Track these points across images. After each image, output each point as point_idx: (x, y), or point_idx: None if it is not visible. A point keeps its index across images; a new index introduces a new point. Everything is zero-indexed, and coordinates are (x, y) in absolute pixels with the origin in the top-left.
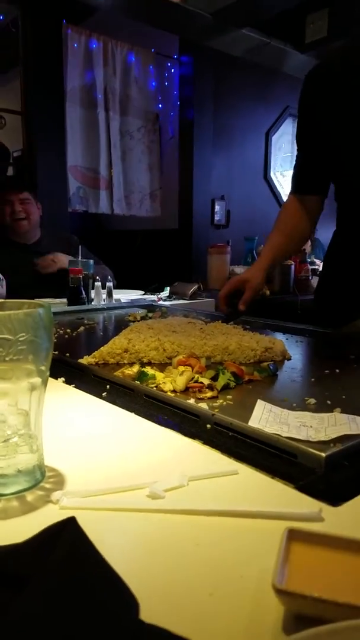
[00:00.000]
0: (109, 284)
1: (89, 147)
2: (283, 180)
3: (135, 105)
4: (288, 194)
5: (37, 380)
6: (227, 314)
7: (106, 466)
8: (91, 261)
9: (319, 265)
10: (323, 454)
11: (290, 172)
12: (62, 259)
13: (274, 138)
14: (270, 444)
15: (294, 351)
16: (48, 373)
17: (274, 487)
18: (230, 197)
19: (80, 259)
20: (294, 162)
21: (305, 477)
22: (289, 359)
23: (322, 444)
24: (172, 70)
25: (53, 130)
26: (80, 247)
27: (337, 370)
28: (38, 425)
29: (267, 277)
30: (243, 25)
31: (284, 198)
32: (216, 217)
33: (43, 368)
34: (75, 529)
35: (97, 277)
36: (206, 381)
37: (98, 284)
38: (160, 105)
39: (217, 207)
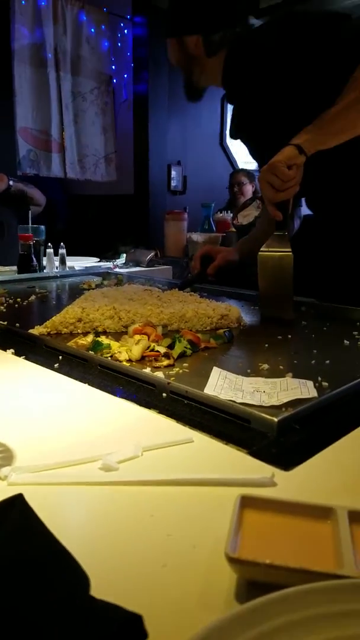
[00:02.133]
0: (62, 251)
1: (39, 108)
2: (239, 147)
3: (88, 65)
4: None
5: None
6: (195, 275)
7: (58, 440)
8: (42, 227)
9: None
10: (275, 419)
11: None
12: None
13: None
14: (224, 411)
15: (249, 318)
16: None
17: (228, 454)
18: (186, 163)
19: (30, 224)
20: None
21: (258, 442)
22: (245, 325)
23: (274, 409)
24: (126, 31)
25: (0, 89)
26: (29, 212)
27: (290, 336)
28: None
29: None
30: None
31: (240, 165)
32: (173, 183)
33: None
34: (23, 506)
35: (49, 245)
36: (162, 349)
37: (50, 250)
38: (113, 67)
39: (173, 173)
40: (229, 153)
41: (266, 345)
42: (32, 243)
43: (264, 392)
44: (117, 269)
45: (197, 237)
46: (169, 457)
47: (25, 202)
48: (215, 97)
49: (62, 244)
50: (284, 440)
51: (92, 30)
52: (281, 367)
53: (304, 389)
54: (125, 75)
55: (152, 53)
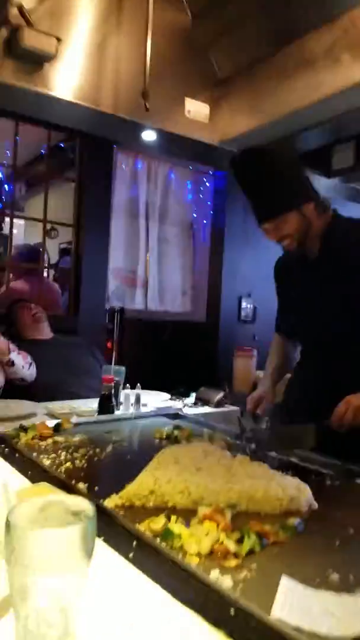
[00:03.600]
0: (138, 392)
1: (129, 251)
2: None
3: (173, 215)
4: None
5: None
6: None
7: None
8: (123, 368)
9: None
10: None
11: None
12: None
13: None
14: None
15: (321, 496)
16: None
17: None
18: (256, 294)
19: (113, 365)
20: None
21: None
22: (315, 509)
23: None
24: (207, 184)
25: (100, 239)
26: (114, 354)
27: None
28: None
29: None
30: None
31: None
32: (243, 313)
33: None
34: None
35: (128, 385)
36: (231, 546)
37: (127, 391)
38: (194, 214)
39: (243, 304)
40: None
41: (337, 542)
42: (112, 385)
43: (334, 614)
44: (186, 409)
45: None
46: None
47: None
48: None
49: (138, 384)
50: None
51: (179, 185)
52: (351, 576)
53: None
54: (205, 221)
55: (229, 201)
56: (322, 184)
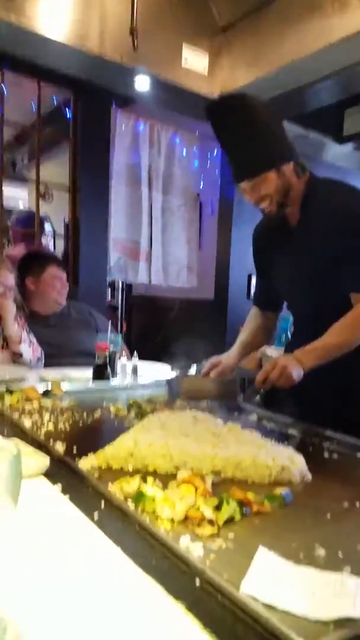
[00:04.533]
0: (135, 362)
1: (131, 221)
2: None
3: (178, 184)
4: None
5: None
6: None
7: (67, 632)
8: (119, 337)
9: None
10: None
11: None
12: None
13: None
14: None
15: (317, 467)
16: None
17: None
18: None
19: (109, 334)
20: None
21: None
22: (309, 481)
23: (319, 626)
24: (215, 151)
25: (98, 205)
26: (110, 322)
27: (358, 504)
28: None
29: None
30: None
31: None
32: (252, 291)
33: None
34: None
35: (124, 353)
36: (208, 512)
37: (124, 362)
38: (201, 184)
39: (254, 281)
40: None
41: (328, 515)
42: (107, 353)
43: (314, 593)
44: None
45: (271, 352)
46: None
47: None
48: None
49: (135, 353)
50: None
51: (184, 151)
52: (340, 554)
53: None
54: (213, 192)
55: None
56: (333, 151)
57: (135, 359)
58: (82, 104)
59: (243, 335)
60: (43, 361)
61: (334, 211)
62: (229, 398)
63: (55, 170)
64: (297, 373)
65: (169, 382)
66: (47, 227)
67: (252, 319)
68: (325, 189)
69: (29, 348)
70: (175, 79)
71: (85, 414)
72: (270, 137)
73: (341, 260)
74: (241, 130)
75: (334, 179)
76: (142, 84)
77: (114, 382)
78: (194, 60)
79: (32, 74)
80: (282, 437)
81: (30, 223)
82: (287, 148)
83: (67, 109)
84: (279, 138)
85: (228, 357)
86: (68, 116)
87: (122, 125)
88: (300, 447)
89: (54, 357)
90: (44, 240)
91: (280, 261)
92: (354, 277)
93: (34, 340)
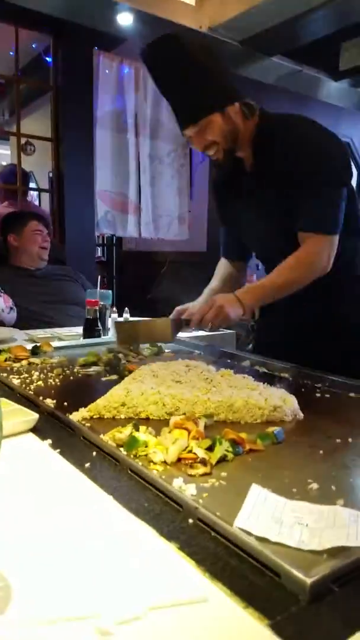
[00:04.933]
0: (126, 317)
1: (118, 171)
2: None
3: (166, 130)
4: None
5: None
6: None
7: (60, 580)
8: (109, 292)
9: None
10: (308, 580)
11: None
12: None
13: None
14: (253, 557)
15: (309, 407)
16: None
17: (245, 623)
18: None
19: (98, 289)
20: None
21: (286, 607)
22: (301, 419)
23: (314, 555)
24: None
25: (83, 155)
26: (99, 277)
27: (350, 440)
28: None
29: None
30: (273, 53)
31: None
32: None
33: None
34: None
35: (114, 309)
36: (201, 452)
37: (115, 316)
38: None
39: None
40: None
41: (321, 451)
42: (97, 308)
43: (307, 525)
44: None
45: None
46: (176, 622)
47: None
48: None
49: (126, 309)
50: (317, 610)
51: None
52: (333, 487)
53: (352, 530)
54: None
55: None
56: (328, 89)
57: (127, 315)
58: (63, 49)
59: (212, 283)
60: (16, 311)
61: (291, 145)
62: (163, 339)
63: (38, 123)
64: (234, 313)
65: (115, 328)
66: (32, 184)
67: (220, 268)
68: (282, 126)
69: (0, 298)
70: (160, 12)
71: (75, 370)
72: (210, 79)
73: (294, 196)
74: (178, 74)
75: (292, 113)
76: (125, 19)
77: (105, 337)
78: None
79: (9, 19)
80: (275, 380)
81: (13, 178)
82: (231, 89)
83: (47, 57)
84: (220, 79)
85: (194, 306)
86: (49, 64)
87: (105, 69)
88: (293, 389)
89: (47, 303)
90: (28, 198)
91: (241, 209)
92: (303, 215)
93: (2, 292)
